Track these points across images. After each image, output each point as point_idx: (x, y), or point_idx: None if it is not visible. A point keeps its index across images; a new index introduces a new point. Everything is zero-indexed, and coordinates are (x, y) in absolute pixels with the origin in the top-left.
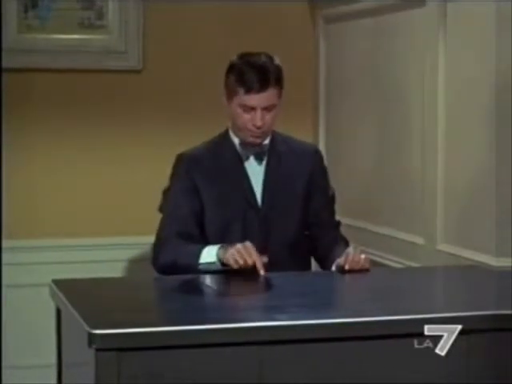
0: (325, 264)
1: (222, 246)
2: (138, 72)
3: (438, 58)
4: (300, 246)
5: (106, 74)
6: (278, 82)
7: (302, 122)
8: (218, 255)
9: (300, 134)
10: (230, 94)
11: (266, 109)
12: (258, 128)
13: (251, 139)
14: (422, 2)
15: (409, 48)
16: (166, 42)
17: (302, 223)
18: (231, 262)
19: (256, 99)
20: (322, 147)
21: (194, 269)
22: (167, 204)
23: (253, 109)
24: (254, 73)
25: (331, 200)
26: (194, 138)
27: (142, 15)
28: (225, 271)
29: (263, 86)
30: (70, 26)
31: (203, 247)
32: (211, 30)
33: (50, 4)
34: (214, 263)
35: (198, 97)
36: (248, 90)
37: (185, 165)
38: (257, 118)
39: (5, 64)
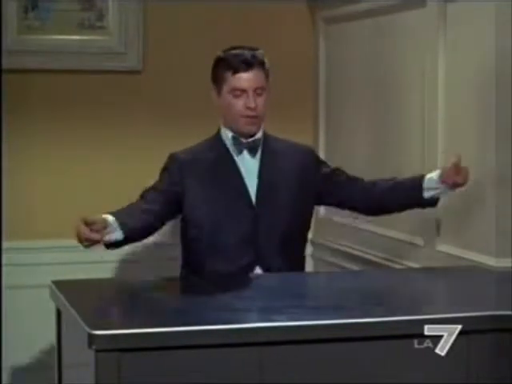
0: (391, 199)
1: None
2: (137, 73)
3: (437, 58)
4: (291, 245)
5: (105, 74)
6: (263, 65)
7: (302, 122)
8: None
9: (300, 133)
10: (219, 84)
11: (256, 92)
12: (252, 110)
13: (247, 128)
14: (422, 2)
15: (409, 48)
16: (166, 43)
17: (294, 222)
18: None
19: (244, 78)
20: (321, 147)
21: None
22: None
23: (244, 92)
24: (238, 57)
25: (338, 170)
26: (194, 139)
27: (141, 16)
28: None
29: (249, 65)
30: (70, 27)
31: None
32: (211, 30)
33: (50, 5)
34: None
35: (198, 97)
36: (235, 71)
37: (175, 163)
38: (249, 100)
39: (5, 65)
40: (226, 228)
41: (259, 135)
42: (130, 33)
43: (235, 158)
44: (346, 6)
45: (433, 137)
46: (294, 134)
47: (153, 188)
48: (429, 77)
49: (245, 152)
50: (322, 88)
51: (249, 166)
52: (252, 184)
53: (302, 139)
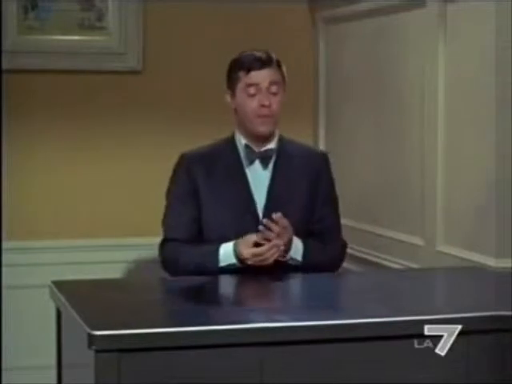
0: None
1: (236, 244)
2: (137, 73)
3: (438, 59)
4: None
5: (105, 75)
6: (279, 65)
7: (302, 123)
8: (235, 256)
9: (300, 135)
10: (234, 85)
11: (271, 90)
12: (267, 109)
13: (262, 128)
14: (422, 2)
15: (409, 49)
16: (166, 43)
17: (300, 230)
18: (254, 263)
19: (258, 75)
20: (321, 147)
21: (216, 271)
22: (169, 210)
23: (258, 90)
24: (251, 56)
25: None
26: (194, 139)
27: (141, 16)
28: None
29: (263, 63)
30: (70, 27)
31: (218, 248)
32: (211, 30)
33: (50, 5)
34: (234, 264)
35: (198, 98)
36: (249, 70)
37: (186, 165)
38: (263, 97)
39: (5, 65)
40: (230, 239)
41: (272, 145)
42: (130, 33)
43: (245, 168)
44: (346, 6)
45: (433, 136)
46: (294, 133)
47: (174, 200)
48: (429, 77)
49: (256, 162)
50: (322, 88)
51: (259, 178)
52: (260, 197)
53: (302, 139)
